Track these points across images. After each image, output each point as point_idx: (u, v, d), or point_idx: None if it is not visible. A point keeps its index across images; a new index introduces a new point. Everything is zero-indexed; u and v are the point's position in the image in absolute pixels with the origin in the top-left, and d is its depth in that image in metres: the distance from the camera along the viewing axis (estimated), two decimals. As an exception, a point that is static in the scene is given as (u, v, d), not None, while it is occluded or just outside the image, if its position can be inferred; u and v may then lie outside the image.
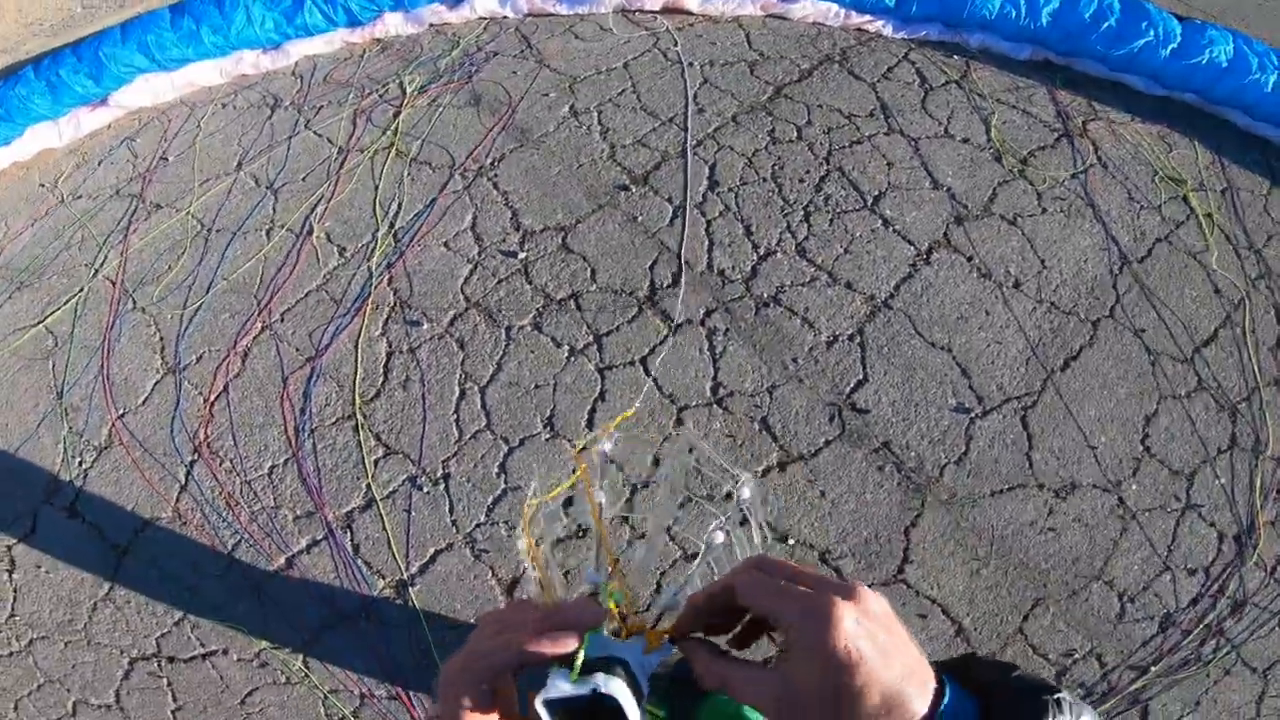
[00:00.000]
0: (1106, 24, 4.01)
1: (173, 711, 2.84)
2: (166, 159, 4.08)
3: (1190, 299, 3.40)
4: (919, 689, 0.66)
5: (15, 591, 3.04)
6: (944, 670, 0.71)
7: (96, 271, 3.67)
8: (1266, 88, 3.88)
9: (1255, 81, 3.89)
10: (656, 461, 1.39)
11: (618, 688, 0.69)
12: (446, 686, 0.74)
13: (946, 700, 0.67)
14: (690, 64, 4.11)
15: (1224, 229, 3.62)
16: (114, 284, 3.62)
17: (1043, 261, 3.46)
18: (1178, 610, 2.86)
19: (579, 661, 0.71)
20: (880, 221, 3.56)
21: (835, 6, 4.27)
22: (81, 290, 3.62)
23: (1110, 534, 2.96)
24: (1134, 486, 3.03)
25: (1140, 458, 3.08)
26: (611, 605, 0.82)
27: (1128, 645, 2.82)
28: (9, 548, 3.10)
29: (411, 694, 2.80)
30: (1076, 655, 2.81)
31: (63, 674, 2.91)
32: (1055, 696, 0.68)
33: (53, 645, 2.95)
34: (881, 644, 0.65)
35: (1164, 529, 2.97)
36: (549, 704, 0.69)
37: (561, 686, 0.69)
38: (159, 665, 2.90)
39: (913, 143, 3.79)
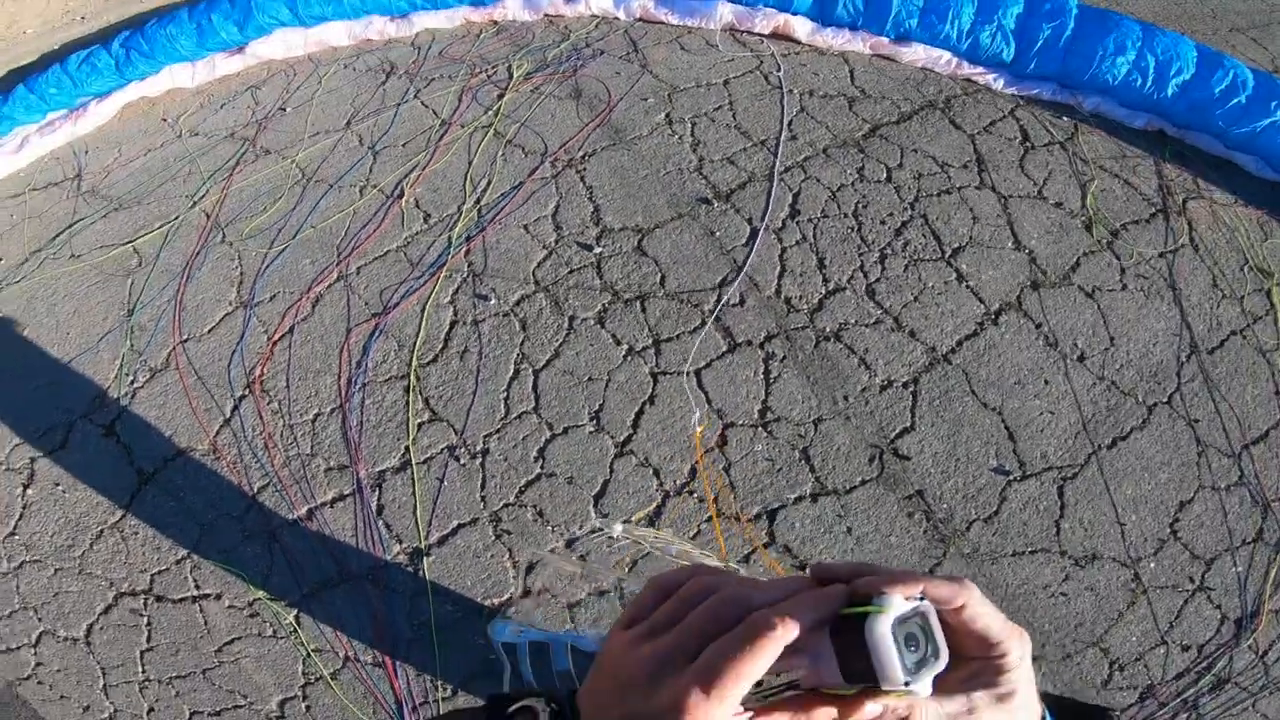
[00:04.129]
0: (1235, 100, 3.90)
1: (141, 652, 2.91)
2: (285, 109, 4.28)
3: (1251, 397, 3.31)
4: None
5: (25, 508, 3.15)
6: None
7: (195, 204, 3.85)
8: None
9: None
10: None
11: (930, 610, 0.66)
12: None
13: None
14: (790, 91, 4.13)
15: (1299, 330, 3.52)
16: (208, 217, 3.79)
17: (1112, 339, 3.40)
18: (1161, 682, 2.81)
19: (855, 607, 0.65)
20: (955, 275, 3.53)
21: (948, 54, 4.25)
22: (177, 218, 3.79)
23: (1118, 605, 2.91)
24: (1152, 564, 2.98)
25: (1165, 539, 3.02)
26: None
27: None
28: (33, 460, 3.22)
29: (397, 663, 2.84)
30: (1051, 716, 2.76)
31: (41, 601, 2.99)
32: (1110, 713, 0.71)
33: (43, 570, 3.04)
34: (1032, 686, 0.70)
35: (1170, 606, 2.92)
36: (890, 623, 0.62)
37: (898, 604, 0.63)
38: (144, 603, 2.97)
39: (1003, 200, 3.75)
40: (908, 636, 0.63)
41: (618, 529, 2.76)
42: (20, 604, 2.99)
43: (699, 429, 3.14)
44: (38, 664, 2.92)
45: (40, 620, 2.97)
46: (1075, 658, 2.84)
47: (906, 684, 0.61)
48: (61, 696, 2.88)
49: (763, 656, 0.58)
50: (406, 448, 3.16)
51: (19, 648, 2.94)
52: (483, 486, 3.09)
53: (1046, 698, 0.76)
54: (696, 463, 3.08)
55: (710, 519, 3.00)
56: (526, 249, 3.60)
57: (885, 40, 4.32)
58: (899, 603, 0.63)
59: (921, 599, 0.64)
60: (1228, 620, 2.90)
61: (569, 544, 2.97)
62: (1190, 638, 2.88)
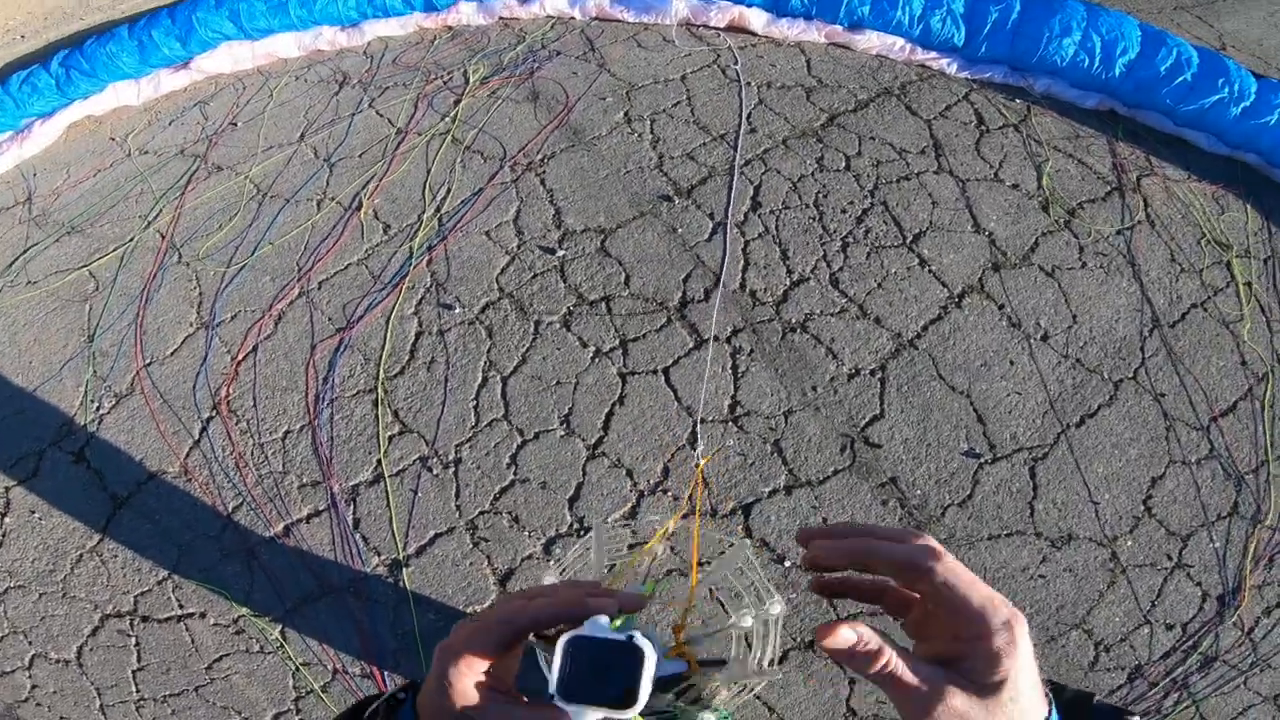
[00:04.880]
0: (1181, 78, 3.95)
1: (133, 672, 2.89)
2: (235, 124, 4.22)
3: (1216, 368, 3.35)
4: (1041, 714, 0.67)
5: (4, 536, 3.12)
6: (1058, 695, 0.72)
7: (149, 224, 3.80)
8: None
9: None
10: (707, 562, 1.44)
11: (647, 646, 0.69)
12: (454, 648, 0.71)
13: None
14: (748, 84, 4.13)
15: (1260, 300, 3.56)
16: (163, 237, 3.74)
17: (1074, 316, 3.43)
18: (1149, 663, 2.83)
19: (619, 621, 0.71)
20: (917, 260, 3.55)
21: (901, 40, 4.27)
22: (131, 240, 3.74)
23: (1098, 586, 2.94)
24: (1129, 543, 3.00)
25: (1140, 517, 3.05)
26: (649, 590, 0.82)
27: (1094, 693, 2.78)
28: (7, 489, 3.19)
29: (386, 673, 2.84)
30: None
31: (29, 625, 2.97)
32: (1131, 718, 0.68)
33: (27, 595, 3.01)
34: (1034, 677, 0.67)
35: (1151, 585, 2.95)
36: (575, 642, 0.68)
37: (602, 627, 0.68)
38: (131, 624, 2.95)
39: (961, 184, 3.78)
40: (594, 661, 0.68)
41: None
42: (9, 628, 2.97)
43: (703, 461, 3.14)
44: (34, 686, 2.89)
45: (31, 644, 2.94)
46: (1059, 640, 2.86)
47: (551, 697, 0.68)
48: (61, 718, 2.86)
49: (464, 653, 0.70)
50: (379, 461, 3.14)
51: (13, 671, 2.92)
52: (457, 495, 3.08)
53: (1057, 691, 0.72)
54: (694, 492, 3.08)
55: (686, 516, 3.00)
56: (489, 256, 3.58)
57: (840, 29, 4.33)
58: (598, 626, 0.68)
59: (629, 638, 0.68)
60: (1209, 598, 2.94)
61: (547, 548, 2.97)
62: (1173, 616, 2.91)
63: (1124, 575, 2.96)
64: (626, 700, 0.67)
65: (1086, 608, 2.90)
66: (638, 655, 0.68)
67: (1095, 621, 2.89)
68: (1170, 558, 2.99)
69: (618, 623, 0.70)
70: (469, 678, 0.70)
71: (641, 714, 0.70)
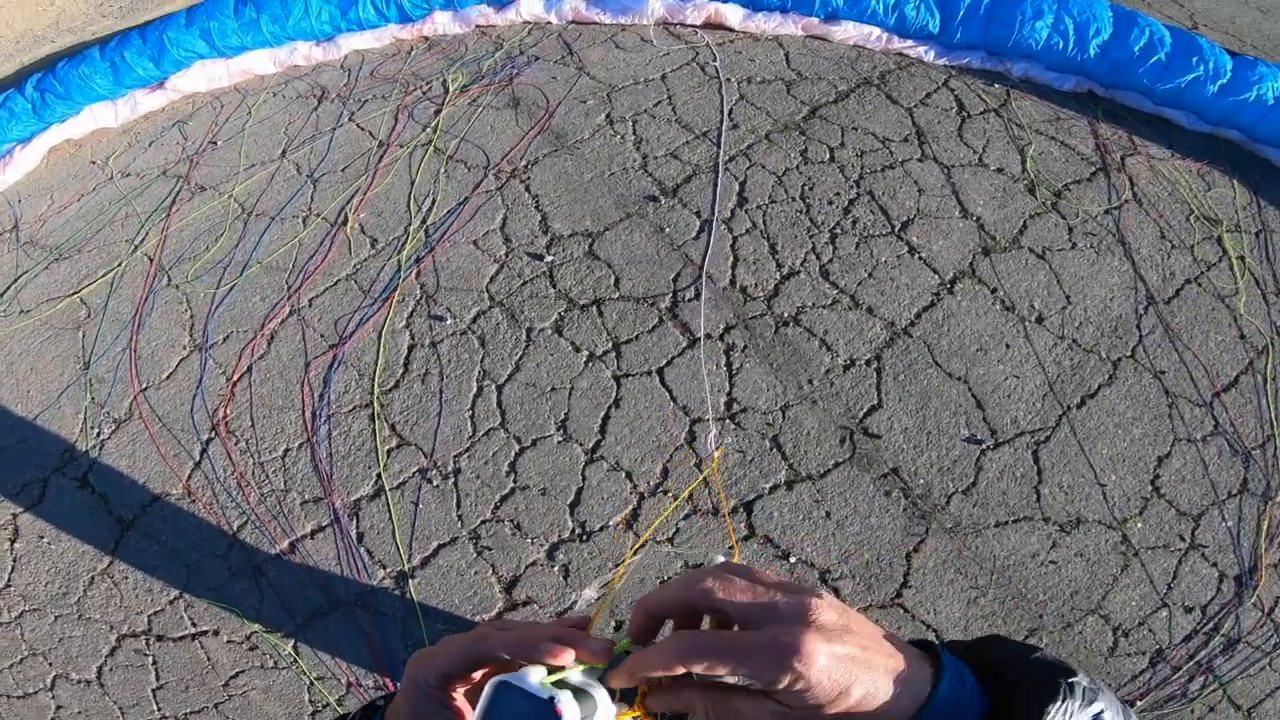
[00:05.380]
0: (1155, 57, 3.97)
1: (153, 690, 2.88)
2: (215, 143, 4.20)
3: (1215, 343, 3.36)
4: (900, 685, 0.64)
5: (15, 561, 3.11)
6: (965, 650, 0.71)
7: (136, 248, 3.77)
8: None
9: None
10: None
11: (570, 711, 0.67)
12: (426, 660, 0.75)
13: (944, 686, 0.65)
14: (728, 80, 4.14)
15: (1254, 272, 3.57)
16: (151, 261, 3.72)
17: (1068, 297, 3.44)
18: (1170, 646, 2.83)
19: (561, 675, 0.70)
20: (906, 248, 3.55)
21: (878, 30, 4.28)
22: (119, 265, 3.72)
23: (1111, 570, 2.93)
24: (1140, 525, 3.00)
25: (1149, 497, 3.05)
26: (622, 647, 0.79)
27: (1117, 679, 2.79)
28: (15, 515, 3.18)
29: (399, 685, 2.82)
30: (1064, 686, 2.77)
31: (48, 648, 2.96)
32: (1069, 680, 0.65)
33: (43, 618, 3.01)
34: (858, 658, 0.63)
35: (1165, 567, 2.94)
36: (501, 687, 0.68)
37: (527, 680, 0.68)
38: (147, 643, 2.94)
39: (946, 170, 3.79)
40: (516, 713, 0.67)
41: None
42: (28, 650, 2.96)
43: (718, 451, 3.14)
44: (58, 707, 2.89)
45: (51, 665, 2.94)
46: (1076, 626, 2.85)
47: None
48: (89, 736, 2.87)
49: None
50: (378, 475, 3.13)
51: (36, 692, 2.91)
52: (458, 505, 3.07)
53: (972, 648, 0.71)
54: (711, 475, 3.08)
55: (687, 517, 3.00)
56: (477, 264, 3.57)
57: (816, 21, 4.34)
58: (525, 678, 0.68)
59: (551, 699, 0.67)
60: (1226, 578, 2.93)
61: (550, 554, 2.96)
62: (1192, 598, 2.90)
63: (1137, 558, 2.95)
64: None
65: (1101, 592, 2.90)
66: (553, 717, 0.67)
67: (1111, 606, 2.88)
68: (1183, 538, 2.99)
69: (549, 679, 0.69)
70: (430, 681, 0.74)
71: None
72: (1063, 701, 0.64)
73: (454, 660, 0.72)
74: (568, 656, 0.70)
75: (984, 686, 0.67)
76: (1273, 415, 3.21)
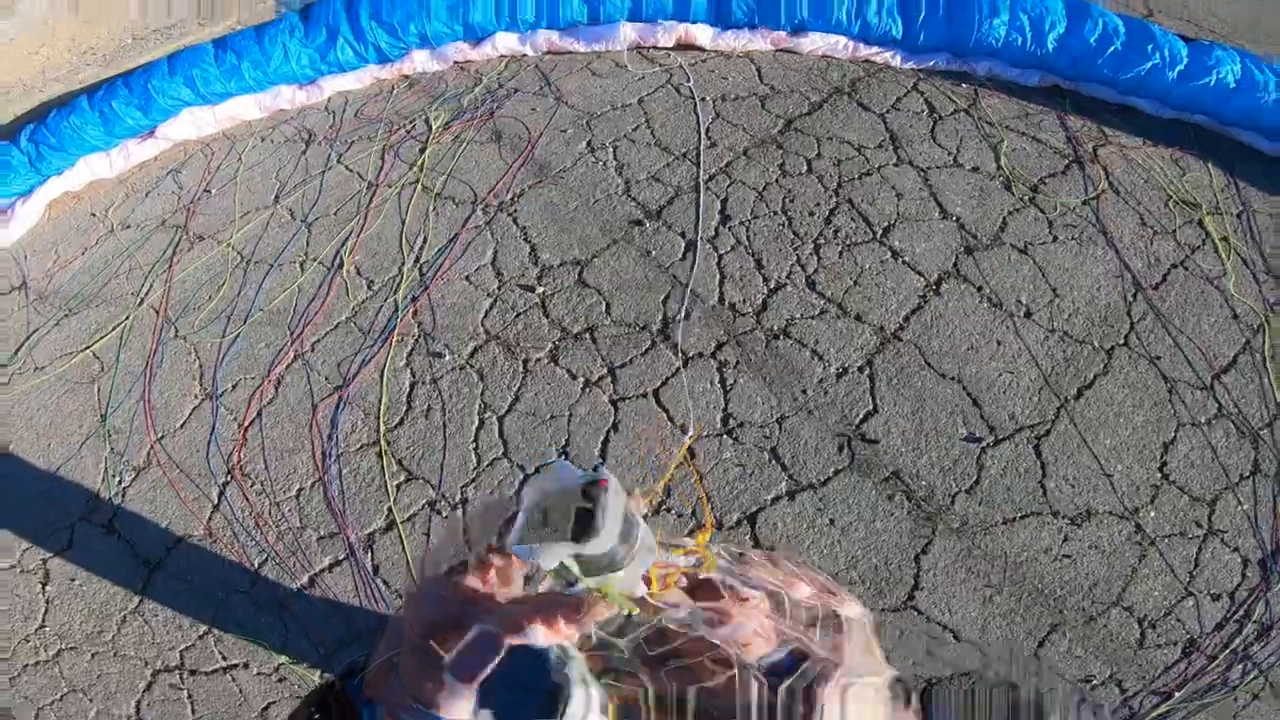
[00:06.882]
0: (1112, 48, 4.04)
1: None
2: (209, 191, 4.28)
3: (1208, 325, 3.42)
4: None
5: (48, 603, 3.21)
6: None
7: (142, 300, 3.86)
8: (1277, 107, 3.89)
9: (1265, 101, 3.88)
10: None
11: (613, 480, 0.67)
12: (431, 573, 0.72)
13: None
14: (703, 99, 4.22)
15: (1240, 253, 3.63)
16: (158, 313, 3.81)
17: (1054, 290, 3.51)
18: (1202, 635, 2.84)
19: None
20: (889, 253, 3.63)
21: (843, 39, 4.36)
22: (127, 318, 3.81)
23: (1129, 561, 2.96)
24: (1152, 513, 3.04)
25: (1158, 485, 3.09)
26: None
27: (1149, 671, 2.81)
28: (45, 561, 3.28)
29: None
30: (1095, 681, 2.80)
31: (87, 684, 3.06)
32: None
33: (80, 656, 3.11)
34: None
35: (1185, 555, 2.96)
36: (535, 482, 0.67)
37: (567, 467, 0.67)
38: (181, 677, 3.04)
39: (922, 173, 3.86)
40: (547, 513, 0.65)
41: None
42: (68, 687, 3.06)
43: (690, 436, 3.21)
44: None
45: (91, 701, 3.04)
46: (1099, 620, 2.88)
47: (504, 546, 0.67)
48: (134, 772, 2.96)
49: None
50: (389, 509, 3.21)
51: None
52: (466, 534, 3.12)
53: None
54: (684, 463, 3.16)
55: (691, 532, 3.06)
56: (471, 300, 3.65)
57: (784, 34, 4.41)
58: (563, 470, 0.67)
59: (595, 468, 0.66)
60: (1250, 563, 2.95)
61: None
62: (1217, 585, 2.92)
63: (1154, 547, 2.98)
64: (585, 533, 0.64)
65: (1121, 584, 2.93)
66: (599, 490, 0.65)
67: (1134, 597, 2.91)
68: (1200, 524, 3.02)
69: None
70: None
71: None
72: None
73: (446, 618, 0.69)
74: (539, 634, 0.65)
75: None
76: (1276, 394, 3.25)
